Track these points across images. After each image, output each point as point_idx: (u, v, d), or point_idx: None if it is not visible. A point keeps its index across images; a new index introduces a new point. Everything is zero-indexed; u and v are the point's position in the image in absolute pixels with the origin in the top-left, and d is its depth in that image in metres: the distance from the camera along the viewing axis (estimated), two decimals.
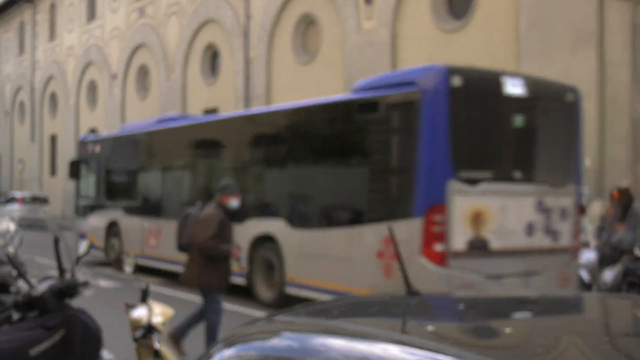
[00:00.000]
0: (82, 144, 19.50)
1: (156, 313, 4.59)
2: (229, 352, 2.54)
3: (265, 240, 11.94)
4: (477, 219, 9.05)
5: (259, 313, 10.85)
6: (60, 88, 40.87)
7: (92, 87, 37.99)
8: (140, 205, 16.64)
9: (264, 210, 12.24)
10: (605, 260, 11.57)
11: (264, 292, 12.15)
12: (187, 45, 29.63)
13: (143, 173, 16.82)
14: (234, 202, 8.00)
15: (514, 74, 10.26)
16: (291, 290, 11.40)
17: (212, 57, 29.09)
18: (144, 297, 4.65)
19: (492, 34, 17.57)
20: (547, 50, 15.97)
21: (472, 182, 8.98)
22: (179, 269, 12.30)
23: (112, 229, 17.24)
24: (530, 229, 9.60)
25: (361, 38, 21.13)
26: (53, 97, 42.13)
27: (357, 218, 10.28)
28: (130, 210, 16.80)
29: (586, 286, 11.04)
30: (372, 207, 10.13)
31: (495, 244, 9.30)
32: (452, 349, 2.12)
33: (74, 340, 4.16)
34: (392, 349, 2.15)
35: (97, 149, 18.44)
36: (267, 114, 13.78)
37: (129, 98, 34.27)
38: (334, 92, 22.14)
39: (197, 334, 9.38)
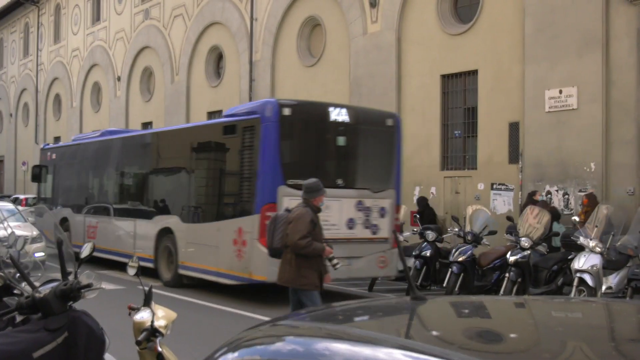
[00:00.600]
0: (42, 151, 22.51)
1: (159, 316, 4.57)
2: (232, 356, 2.53)
3: (166, 233, 14.76)
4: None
5: (262, 317, 10.84)
6: (64, 90, 40.97)
7: (97, 89, 38.07)
8: (82, 204, 19.55)
9: (165, 209, 15.16)
10: (610, 265, 11.57)
11: (165, 273, 14.87)
12: (191, 47, 29.67)
13: (83, 177, 19.82)
14: (321, 202, 8.37)
15: (340, 105, 13.11)
16: (182, 271, 14.23)
17: (217, 60, 29.13)
18: (147, 299, 4.64)
19: (498, 38, 17.56)
20: (552, 54, 15.95)
21: (299, 187, 10.16)
22: (105, 256, 16.67)
23: (63, 225, 19.59)
24: (351, 223, 12.48)
25: (367, 41, 21.13)
26: (57, 99, 42.23)
27: (220, 215, 13.28)
28: (75, 209, 19.79)
29: (591, 290, 11.03)
30: (229, 207, 13.10)
31: None
32: (457, 354, 2.11)
33: (78, 343, 4.15)
34: (397, 354, 2.14)
35: (54, 155, 21.55)
36: (166, 132, 17.20)
37: (133, 100, 34.33)
38: (340, 94, 22.15)
39: (200, 336, 9.38)
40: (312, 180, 8.43)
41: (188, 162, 14.71)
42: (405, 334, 2.55)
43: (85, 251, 4.60)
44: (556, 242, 13.93)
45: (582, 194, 15.29)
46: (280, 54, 25.01)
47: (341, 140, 12.80)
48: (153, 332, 4.49)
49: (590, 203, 14.29)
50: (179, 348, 5.73)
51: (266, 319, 3.43)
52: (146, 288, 4.70)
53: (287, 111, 11.95)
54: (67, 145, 21.84)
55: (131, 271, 4.84)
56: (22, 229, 12.23)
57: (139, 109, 33.77)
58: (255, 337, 2.66)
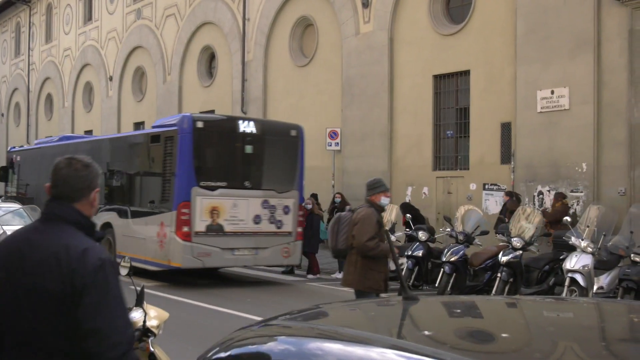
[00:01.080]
0: (8, 153, 25.07)
1: (151, 316, 4.56)
2: (224, 355, 2.53)
3: (107, 227, 16.25)
4: (213, 211, 13.86)
5: (254, 317, 10.83)
6: (56, 90, 40.83)
7: (88, 89, 37.96)
8: (41, 202, 21.09)
9: (106, 206, 16.73)
10: (601, 265, 11.60)
11: None
12: (183, 47, 29.62)
13: (42, 177, 20.38)
14: (384, 200, 8.15)
15: (248, 119, 15.44)
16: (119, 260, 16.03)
17: (209, 60, 29.09)
18: (139, 300, 4.62)
19: (490, 39, 17.59)
20: (544, 55, 15.99)
21: (211, 188, 13.91)
22: None
23: None
24: (257, 219, 14.44)
25: (359, 41, 21.14)
26: (49, 99, 42.08)
27: (147, 211, 15.13)
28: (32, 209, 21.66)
29: (582, 290, 11.06)
30: (154, 204, 14.96)
31: (228, 228, 14.18)
32: (449, 354, 2.11)
33: None
34: (389, 354, 2.14)
35: (18, 158, 23.90)
36: (108, 139, 19.13)
37: (125, 100, 34.26)
38: (332, 95, 22.17)
39: (192, 336, 9.37)
40: (374, 178, 8.43)
41: (124, 165, 16.65)
42: (398, 334, 2.55)
43: None
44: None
45: (575, 194, 15.34)
46: (272, 54, 25.00)
47: (249, 149, 14.64)
48: (145, 332, 4.47)
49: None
50: (171, 348, 5.72)
51: (258, 318, 3.42)
52: (138, 288, 4.69)
53: (200, 124, 14.01)
54: (29, 148, 24.47)
55: (123, 271, 4.82)
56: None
57: (131, 109, 33.70)
58: (247, 337, 2.65)
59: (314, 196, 18.09)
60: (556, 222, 13.84)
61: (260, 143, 14.75)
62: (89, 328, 2.77)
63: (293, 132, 15.36)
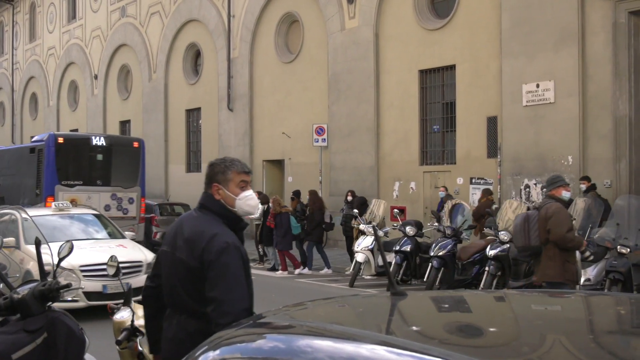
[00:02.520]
0: None
1: (140, 315, 4.55)
2: (213, 354, 2.52)
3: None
4: (72, 202, 15.70)
5: None
6: (40, 89, 40.58)
7: (73, 88, 37.76)
8: None
9: (1, 201, 20.14)
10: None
11: None
12: (169, 44, 29.50)
13: None
14: (566, 194, 8.39)
15: (100, 135, 20.90)
16: None
17: (195, 57, 28.99)
18: (127, 299, 4.61)
19: (475, 33, 17.63)
20: (529, 49, 16.04)
21: (70, 185, 18.55)
22: None
23: None
24: (107, 207, 18.74)
25: (345, 37, 21.13)
26: (34, 98, 41.82)
27: (27, 204, 17.99)
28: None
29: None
30: (33, 199, 18.83)
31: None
32: (438, 349, 2.11)
33: (57, 344, 4.11)
34: (379, 350, 2.14)
35: None
36: (4, 150, 23.35)
37: (110, 98, 34.10)
38: (318, 91, 22.15)
39: None
40: (553, 174, 9.00)
41: (14, 169, 20.75)
42: (386, 330, 2.54)
43: (63, 251, 4.56)
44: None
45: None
46: (258, 50, 24.95)
47: (99, 157, 19.48)
48: (133, 331, 4.46)
49: (484, 203, 15.22)
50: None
51: None
52: (126, 287, 4.67)
53: (60, 140, 18.84)
54: None
55: (110, 270, 4.80)
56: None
57: (116, 107, 33.54)
58: (236, 336, 2.64)
59: (296, 194, 18.09)
60: (480, 216, 14.47)
61: (108, 152, 19.64)
62: (210, 296, 3.52)
63: (135, 144, 20.60)
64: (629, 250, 11.11)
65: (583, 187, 14.91)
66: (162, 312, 3.86)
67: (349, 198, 17.62)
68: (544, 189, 8.58)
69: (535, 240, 8.28)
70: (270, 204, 16.99)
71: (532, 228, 8.31)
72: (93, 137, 19.76)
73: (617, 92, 14.72)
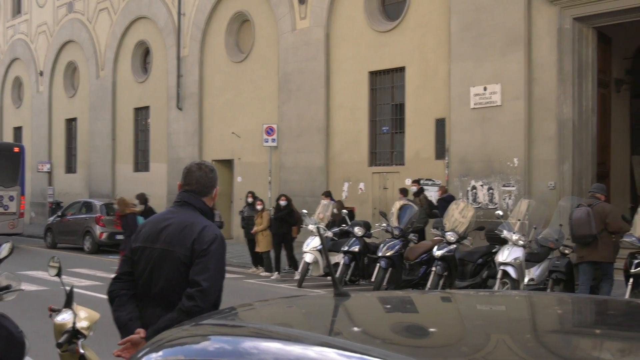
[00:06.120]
0: None
1: (81, 317, 4.45)
2: (156, 356, 2.47)
3: None
4: None
5: None
6: None
7: (18, 84, 36.93)
8: None
9: None
10: (532, 258, 11.88)
11: None
12: (117, 42, 29.08)
13: None
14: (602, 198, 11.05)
15: None
16: None
17: (144, 55, 28.64)
18: (69, 300, 4.51)
19: (425, 36, 17.80)
20: (477, 52, 16.26)
21: None
22: None
23: None
24: None
25: (296, 37, 21.12)
26: None
27: None
28: None
29: (514, 282, 11.30)
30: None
31: None
32: (379, 350, 2.11)
33: None
34: (324, 352, 2.13)
35: None
36: None
37: (56, 95, 33.44)
38: (269, 91, 22.08)
39: None
40: (599, 183, 12.15)
41: None
42: (330, 331, 2.54)
43: (3, 251, 4.44)
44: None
45: (507, 188, 15.66)
46: (208, 49, 24.77)
47: None
48: (75, 333, 4.37)
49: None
50: (103, 350, 5.60)
51: None
52: (67, 288, 4.58)
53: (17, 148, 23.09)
54: None
55: (52, 271, 4.70)
56: None
57: (62, 104, 32.93)
58: (179, 337, 2.60)
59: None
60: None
61: None
62: (195, 279, 3.76)
63: (16, 149, 23.49)
64: (571, 250, 11.35)
65: (414, 189, 15.97)
66: (129, 303, 3.98)
67: (249, 200, 17.39)
68: (589, 192, 11.51)
69: (595, 229, 10.47)
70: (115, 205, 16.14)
71: (593, 220, 10.49)
72: None
73: (562, 96, 15.02)
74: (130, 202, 15.56)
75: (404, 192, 16.24)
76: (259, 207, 16.37)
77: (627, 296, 10.09)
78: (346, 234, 14.85)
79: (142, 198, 16.88)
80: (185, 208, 4.02)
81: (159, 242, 3.93)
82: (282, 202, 16.10)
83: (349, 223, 14.94)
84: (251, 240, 16.76)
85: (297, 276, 15.28)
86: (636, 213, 10.84)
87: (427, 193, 17.00)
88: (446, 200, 15.52)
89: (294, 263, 15.96)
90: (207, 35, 24.74)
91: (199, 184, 4.07)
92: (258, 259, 16.80)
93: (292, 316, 2.88)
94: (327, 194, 16.75)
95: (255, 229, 16.28)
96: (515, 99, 15.64)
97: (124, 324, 3.93)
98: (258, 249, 16.42)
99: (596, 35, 15.36)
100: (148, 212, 16.52)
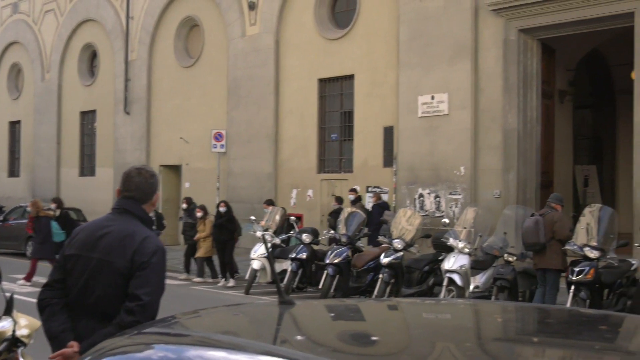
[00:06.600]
0: None
1: (21, 325, 4.36)
2: None
3: None
4: None
5: None
6: None
7: None
8: None
9: None
10: (477, 265, 12.04)
11: None
12: (63, 44, 28.57)
13: None
14: (560, 209, 11.36)
15: None
16: None
17: (91, 58, 28.19)
18: (9, 308, 4.41)
19: (374, 44, 17.93)
20: (425, 61, 16.45)
21: None
22: None
23: None
24: None
25: (245, 43, 21.06)
26: None
27: None
28: None
29: (460, 290, 11.42)
30: None
31: None
32: (317, 357, 2.11)
33: None
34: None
35: None
36: None
37: None
38: (218, 96, 21.95)
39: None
40: (557, 193, 12.40)
41: None
42: (274, 340, 2.52)
43: None
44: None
45: (454, 197, 15.86)
46: (157, 53, 24.51)
47: None
48: (14, 342, 4.28)
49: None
50: (43, 358, 5.47)
51: None
52: (7, 295, 4.47)
53: None
54: None
55: None
56: None
57: (6, 107, 32.18)
58: (122, 345, 2.56)
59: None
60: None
61: None
62: (135, 293, 3.58)
63: None
64: (515, 258, 11.53)
65: (351, 197, 16.33)
66: (61, 313, 3.79)
67: (184, 206, 17.29)
68: (548, 200, 11.54)
69: (544, 238, 10.82)
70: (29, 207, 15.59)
71: (541, 229, 10.85)
72: None
73: (507, 105, 15.29)
74: (44, 205, 15.09)
75: (338, 200, 16.52)
76: (198, 214, 16.26)
77: (568, 304, 10.29)
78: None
79: (59, 202, 16.41)
80: (125, 216, 3.82)
81: (96, 251, 3.72)
82: (222, 209, 15.98)
83: (297, 230, 14.93)
84: (191, 246, 16.62)
85: (230, 283, 15.42)
86: (578, 222, 11.09)
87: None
88: (381, 206, 15.82)
89: (231, 270, 15.83)
90: (155, 39, 24.49)
91: (139, 190, 3.88)
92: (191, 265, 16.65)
93: (237, 324, 2.86)
94: (270, 202, 16.75)
95: (197, 235, 16.16)
96: (462, 108, 15.86)
97: (55, 335, 3.73)
98: (198, 255, 16.30)
99: (540, 47, 15.70)
100: (63, 217, 16.05)
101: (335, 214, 16.32)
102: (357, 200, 16.31)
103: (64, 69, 28.79)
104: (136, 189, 3.88)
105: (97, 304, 3.69)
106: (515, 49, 15.23)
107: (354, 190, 16.75)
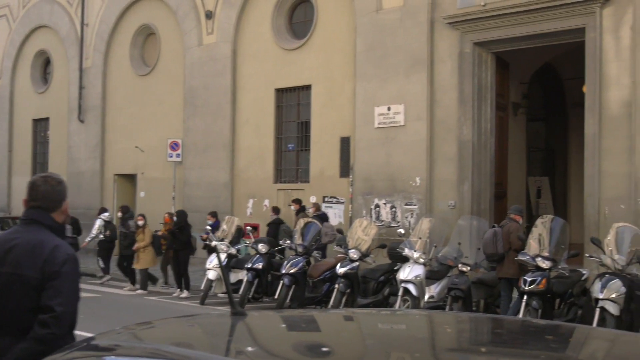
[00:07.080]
0: None
1: None
2: None
3: None
4: None
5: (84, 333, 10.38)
6: None
7: None
8: None
9: None
10: (432, 275, 12.14)
11: None
12: (16, 50, 28.06)
13: None
14: (520, 220, 11.95)
15: None
16: None
17: (44, 65, 27.74)
18: None
19: (331, 55, 17.99)
20: (382, 72, 16.56)
21: None
22: None
23: None
24: None
25: (202, 52, 20.94)
26: None
27: None
28: None
29: (415, 300, 11.50)
30: None
31: None
32: None
33: None
34: None
35: None
36: None
37: None
38: (174, 105, 21.77)
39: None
40: (517, 205, 13.04)
41: None
42: (226, 351, 2.50)
43: None
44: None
45: (409, 207, 15.97)
46: (112, 61, 24.23)
47: None
48: None
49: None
50: None
51: (88, 334, 3.27)
52: None
53: None
54: None
55: None
56: None
57: None
58: (71, 358, 2.51)
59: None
60: None
61: None
62: (48, 304, 3.48)
63: None
64: (469, 268, 11.66)
65: (293, 208, 16.78)
66: None
67: (119, 214, 17.40)
68: (508, 212, 12.13)
69: (502, 249, 11.35)
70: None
71: (499, 240, 11.39)
72: None
73: (462, 117, 15.48)
74: None
75: (275, 210, 16.69)
76: (140, 222, 16.18)
77: (521, 314, 10.42)
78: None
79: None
80: (33, 226, 3.73)
81: (5, 265, 3.61)
82: (175, 219, 16.27)
83: (253, 239, 14.88)
84: (123, 256, 16.49)
85: (184, 294, 15.35)
86: (530, 232, 11.26)
87: (333, 211, 17.21)
88: (320, 217, 15.85)
89: (186, 282, 15.68)
90: (111, 47, 24.21)
91: (46, 199, 3.78)
92: (131, 276, 16.47)
93: (189, 335, 2.83)
94: (214, 215, 17.10)
95: (136, 245, 16.01)
96: (418, 120, 16.00)
97: None
98: (136, 266, 16.13)
99: (495, 60, 15.94)
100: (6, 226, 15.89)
101: (273, 225, 16.53)
102: (301, 211, 16.44)
103: (16, 75, 28.28)
104: (43, 197, 3.78)
105: (12, 320, 3.58)
106: (470, 62, 15.43)
107: (296, 202, 16.87)
